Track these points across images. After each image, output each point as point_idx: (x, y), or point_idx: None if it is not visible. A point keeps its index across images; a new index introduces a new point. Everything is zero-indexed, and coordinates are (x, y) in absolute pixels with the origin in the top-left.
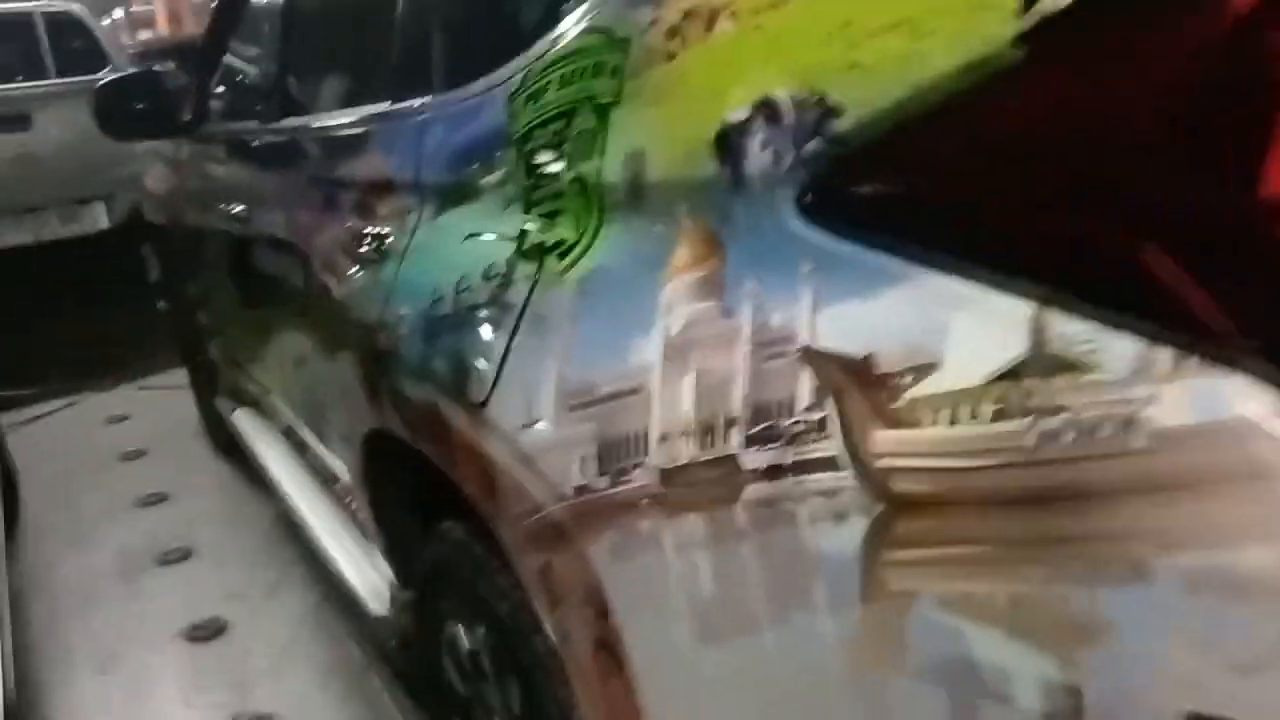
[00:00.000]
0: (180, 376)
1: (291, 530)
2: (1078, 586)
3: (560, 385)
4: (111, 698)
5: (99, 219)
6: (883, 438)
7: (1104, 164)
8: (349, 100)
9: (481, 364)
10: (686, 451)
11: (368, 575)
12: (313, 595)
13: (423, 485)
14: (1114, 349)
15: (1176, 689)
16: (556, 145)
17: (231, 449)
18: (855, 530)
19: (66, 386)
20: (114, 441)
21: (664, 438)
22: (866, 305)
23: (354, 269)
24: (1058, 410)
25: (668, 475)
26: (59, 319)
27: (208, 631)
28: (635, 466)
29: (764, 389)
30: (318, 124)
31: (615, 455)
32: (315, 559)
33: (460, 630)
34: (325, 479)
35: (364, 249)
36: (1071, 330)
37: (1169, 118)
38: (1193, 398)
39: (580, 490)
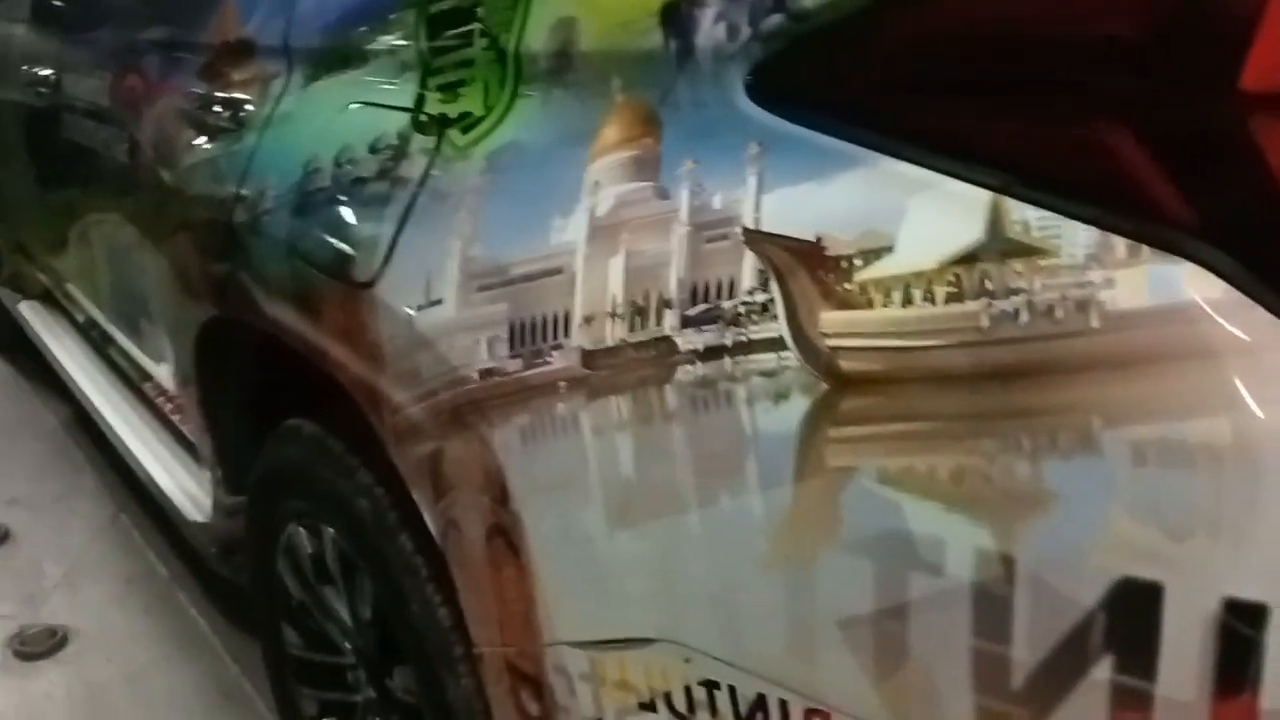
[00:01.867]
0: None
1: (86, 435)
2: (1022, 459)
3: (466, 264)
4: None
5: None
6: (830, 318)
7: (1067, 53)
8: None
9: (368, 241)
10: (614, 333)
11: (181, 480)
12: (109, 504)
13: (262, 381)
14: (1071, 236)
15: (1111, 555)
16: (465, 11)
17: (14, 345)
18: (793, 410)
19: None
20: None
21: (588, 319)
22: (817, 188)
23: (198, 140)
24: (1013, 293)
25: (590, 357)
26: None
27: None
28: (553, 349)
29: (702, 270)
30: None
31: (529, 337)
32: (115, 465)
33: (302, 533)
34: (134, 377)
35: (212, 119)
36: (1028, 217)
37: (1133, 6)
38: (1146, 283)
39: (486, 373)
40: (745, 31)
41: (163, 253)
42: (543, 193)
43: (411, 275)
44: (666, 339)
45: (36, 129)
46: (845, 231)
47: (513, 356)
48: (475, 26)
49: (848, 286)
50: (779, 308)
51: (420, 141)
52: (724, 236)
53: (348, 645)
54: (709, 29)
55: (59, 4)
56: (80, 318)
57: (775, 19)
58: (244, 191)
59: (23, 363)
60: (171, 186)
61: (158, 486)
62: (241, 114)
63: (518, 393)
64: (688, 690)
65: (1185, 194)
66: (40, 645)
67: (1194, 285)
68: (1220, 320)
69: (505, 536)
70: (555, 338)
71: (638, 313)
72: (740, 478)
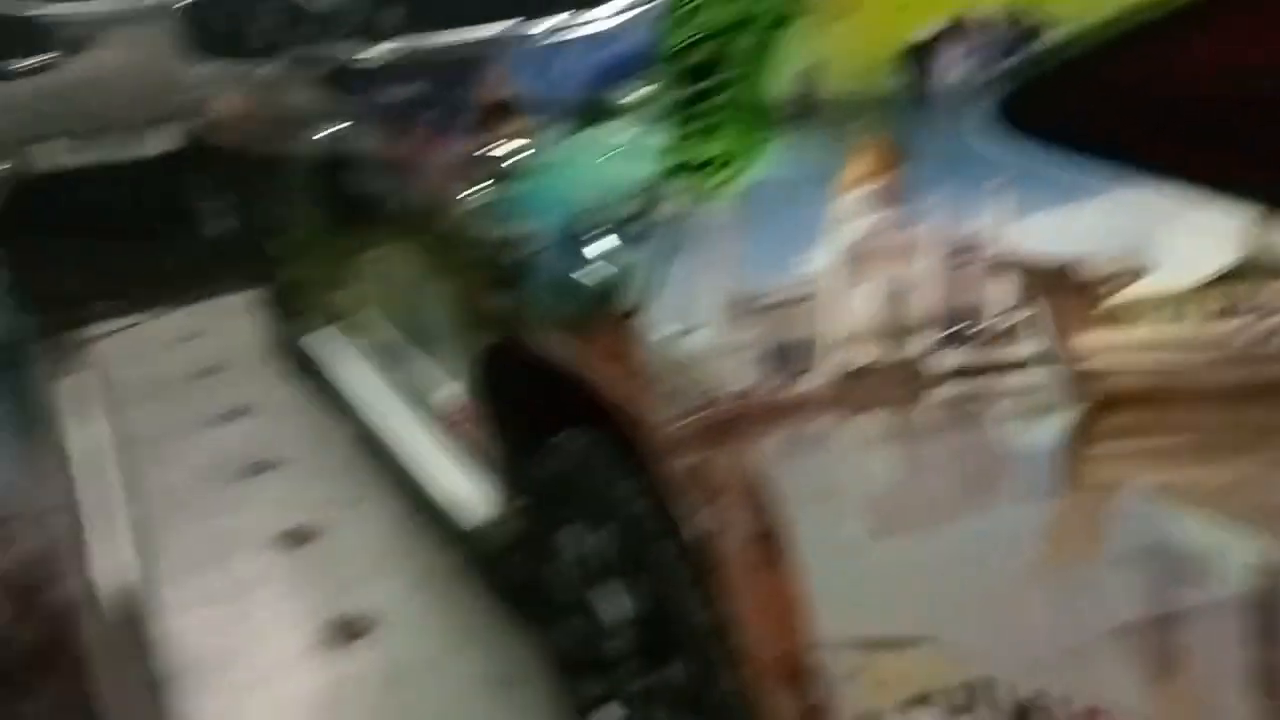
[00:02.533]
0: (245, 299)
1: (373, 447)
2: None
3: (721, 294)
4: (214, 595)
5: (161, 142)
6: (1089, 338)
7: None
8: (468, 20)
9: (630, 276)
10: (862, 356)
11: (465, 487)
12: (400, 506)
13: (538, 398)
14: None
15: None
16: (714, 64)
17: (305, 369)
18: (1052, 427)
19: (138, 304)
20: (190, 358)
21: (836, 343)
22: (1070, 214)
23: (473, 188)
24: (1273, 311)
25: (841, 379)
26: (122, 240)
27: (298, 538)
28: (804, 371)
29: (949, 295)
30: (430, 44)
31: (783, 359)
32: (402, 473)
33: (574, 536)
34: (420, 395)
35: (484, 168)
36: None
37: None
38: None
39: (745, 393)
40: (994, 65)
41: (448, 288)
42: (792, 226)
43: (671, 305)
44: (917, 359)
45: (324, 179)
46: (1097, 255)
47: (769, 377)
48: (724, 77)
49: (1104, 307)
50: (1031, 329)
51: (676, 184)
52: (969, 262)
53: (617, 641)
54: (950, 68)
55: (348, 66)
56: (366, 345)
57: (1025, 51)
58: (517, 234)
59: (312, 383)
60: (451, 231)
61: (442, 492)
62: (510, 164)
63: (775, 410)
64: (954, 690)
65: None
66: (348, 632)
67: None
68: None
69: (766, 542)
70: (809, 359)
71: (888, 335)
72: (1002, 491)
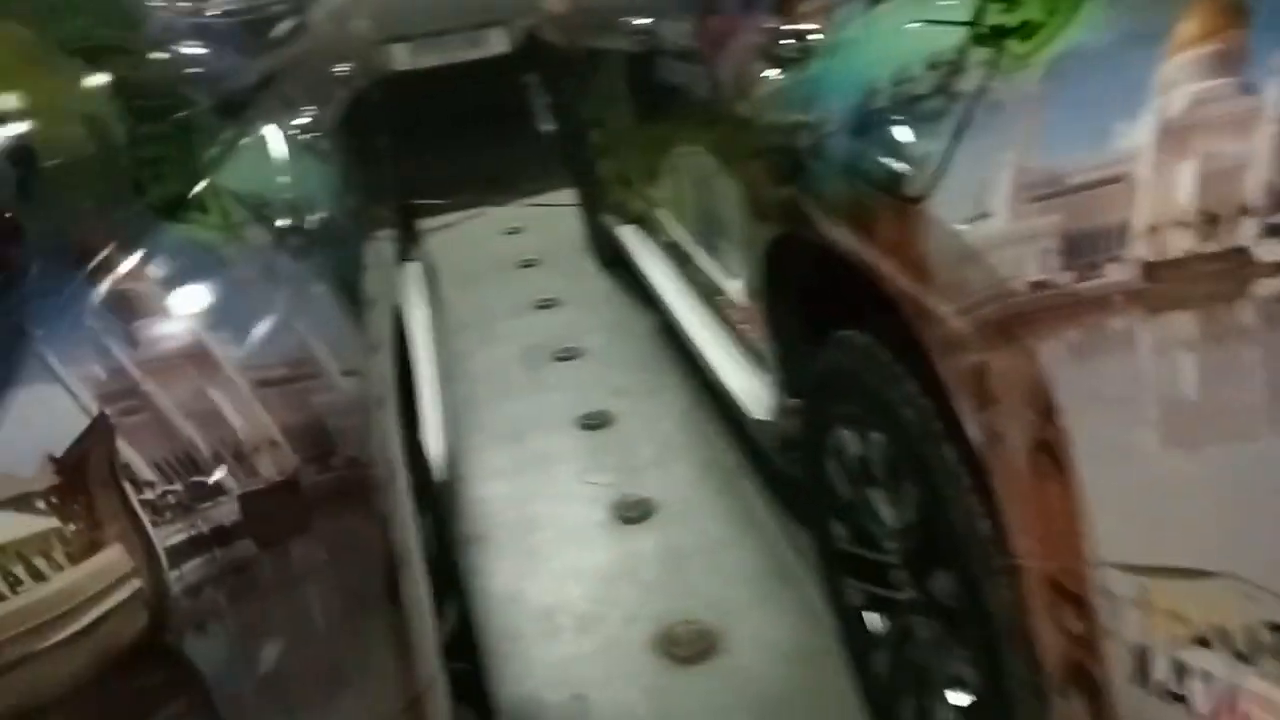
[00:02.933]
0: (566, 196)
1: (670, 340)
2: None
3: (1020, 175)
4: (518, 468)
5: (499, 43)
6: None
7: None
8: None
9: (922, 157)
10: (1180, 243)
11: (747, 382)
12: (689, 400)
13: (820, 295)
14: None
15: None
16: None
17: (614, 263)
18: None
19: (469, 200)
20: (512, 250)
21: (1151, 229)
22: None
23: (769, 71)
24: None
25: (1153, 269)
26: (462, 137)
27: (598, 421)
28: (1110, 260)
29: None
30: None
31: (1085, 248)
32: (694, 366)
33: (850, 436)
34: (710, 291)
35: (782, 51)
36: None
37: None
38: None
39: (1037, 285)
40: None
41: (737, 179)
42: (1107, 97)
43: (963, 189)
44: (1243, 250)
45: (636, 71)
46: None
47: (1065, 269)
48: None
49: None
50: None
51: (978, 54)
52: None
53: (891, 545)
54: None
55: None
56: (666, 240)
57: None
58: (808, 117)
59: (621, 277)
60: (745, 117)
61: (726, 387)
62: (807, 44)
63: (1069, 306)
64: (1250, 630)
65: None
66: (635, 512)
67: None
68: None
69: (1050, 451)
70: (1113, 249)
71: (1209, 221)
72: None
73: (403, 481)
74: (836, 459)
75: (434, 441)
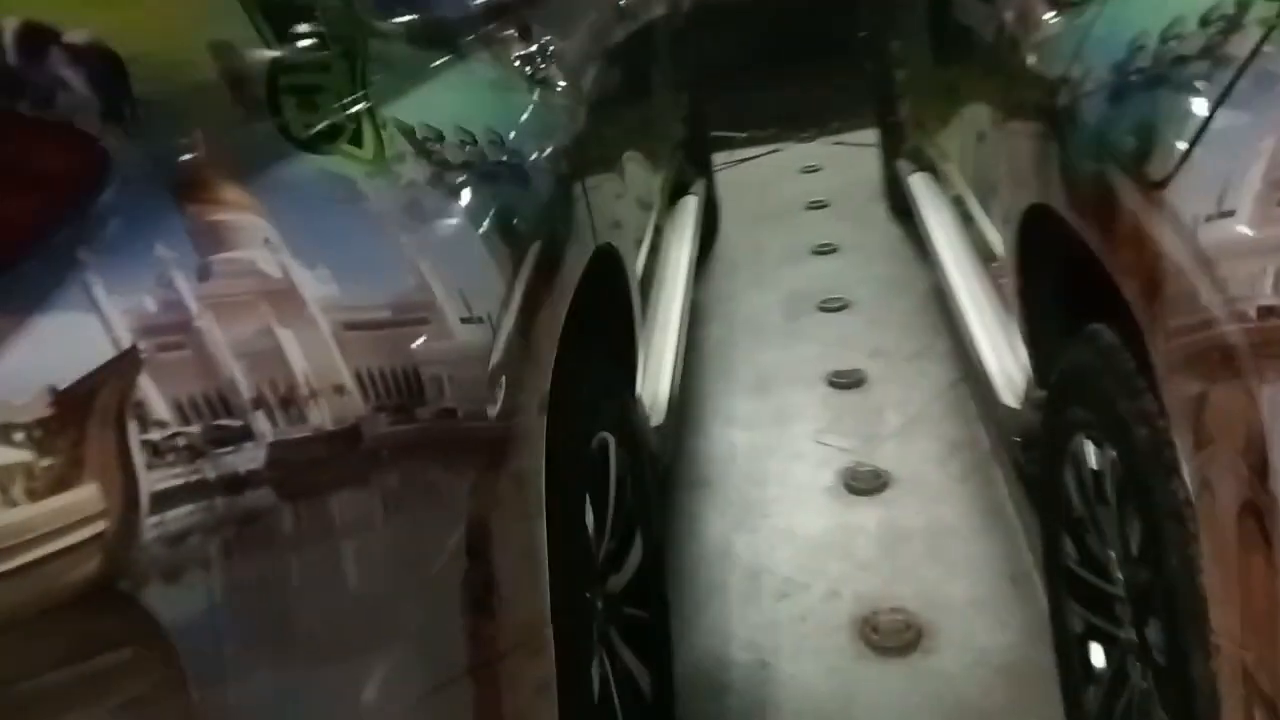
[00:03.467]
0: (872, 136)
1: (942, 302)
2: None
3: (1273, 169)
4: (757, 417)
5: None
6: None
7: None
8: None
9: (1171, 133)
10: None
11: (1006, 363)
12: (953, 370)
13: (1075, 276)
14: None
15: None
16: None
17: (903, 212)
18: None
19: (772, 134)
20: (803, 190)
21: None
22: None
23: (1048, 16)
24: None
25: None
26: (779, 71)
27: (849, 381)
28: None
29: None
30: None
31: None
32: (959, 336)
33: (1088, 446)
34: (984, 255)
35: None
36: None
37: None
38: None
39: (1266, 312)
40: None
41: (1006, 134)
42: None
43: (1208, 178)
44: None
45: (936, 9)
46: None
47: None
48: None
49: None
50: None
51: (1263, 8)
52: None
53: (1116, 576)
54: None
55: None
56: (953, 193)
57: None
58: (1072, 72)
59: (909, 228)
60: (1017, 66)
61: (983, 363)
62: None
63: None
64: None
65: None
66: (866, 483)
67: None
68: None
69: (1259, 519)
70: None
71: None
72: None
73: (534, 439)
74: (1074, 467)
75: (661, 385)
